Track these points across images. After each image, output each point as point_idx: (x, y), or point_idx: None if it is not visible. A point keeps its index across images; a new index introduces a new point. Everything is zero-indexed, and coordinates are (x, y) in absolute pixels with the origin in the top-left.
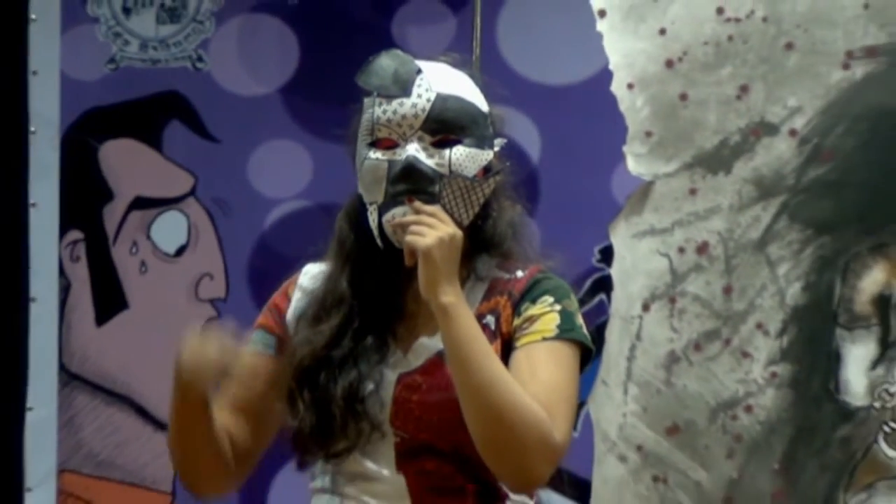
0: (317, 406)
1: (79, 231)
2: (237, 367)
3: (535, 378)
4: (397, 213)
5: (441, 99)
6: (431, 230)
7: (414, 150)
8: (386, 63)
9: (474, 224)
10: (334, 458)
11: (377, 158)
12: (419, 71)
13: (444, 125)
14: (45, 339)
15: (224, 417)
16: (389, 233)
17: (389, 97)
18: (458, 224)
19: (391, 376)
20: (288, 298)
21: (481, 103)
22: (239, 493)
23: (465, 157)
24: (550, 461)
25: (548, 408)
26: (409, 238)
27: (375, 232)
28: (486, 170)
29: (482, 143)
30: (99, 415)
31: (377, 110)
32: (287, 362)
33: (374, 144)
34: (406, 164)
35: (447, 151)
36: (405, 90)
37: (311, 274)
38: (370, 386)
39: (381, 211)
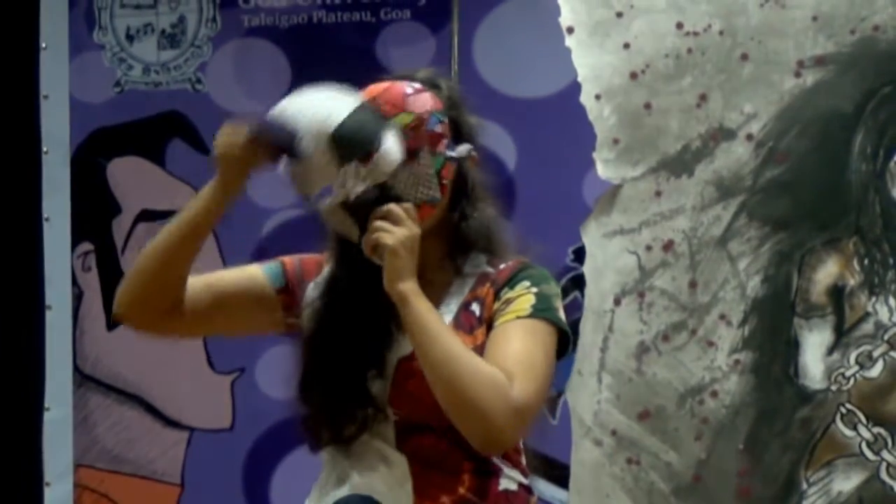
0: (327, 393)
1: (89, 243)
2: (236, 269)
3: (502, 349)
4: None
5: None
6: (398, 229)
7: (350, 187)
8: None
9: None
10: (344, 441)
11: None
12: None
13: (350, 150)
14: (60, 344)
15: (195, 279)
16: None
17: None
18: (434, 200)
19: (392, 361)
20: (320, 269)
21: (352, 105)
22: (242, 481)
23: (387, 156)
24: (511, 418)
25: (508, 370)
26: (374, 235)
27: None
28: (433, 144)
29: (381, 137)
30: (111, 413)
31: None
32: (290, 322)
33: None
34: (353, 204)
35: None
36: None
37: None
38: (374, 371)
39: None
